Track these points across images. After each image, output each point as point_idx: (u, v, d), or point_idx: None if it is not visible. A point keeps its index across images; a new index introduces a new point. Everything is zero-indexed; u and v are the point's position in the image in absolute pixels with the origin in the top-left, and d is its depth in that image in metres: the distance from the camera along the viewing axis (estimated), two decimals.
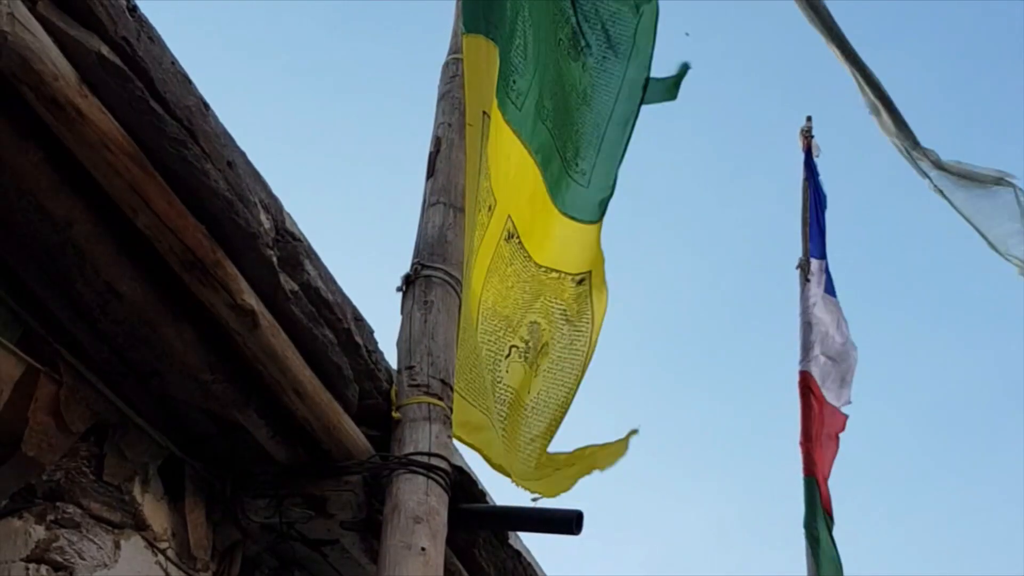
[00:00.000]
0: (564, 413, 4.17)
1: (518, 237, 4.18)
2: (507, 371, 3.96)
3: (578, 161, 4.48)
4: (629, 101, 4.63)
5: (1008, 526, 17.81)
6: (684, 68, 4.91)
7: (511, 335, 4.02)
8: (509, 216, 4.14)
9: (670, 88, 4.86)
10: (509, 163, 4.12)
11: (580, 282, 4.35)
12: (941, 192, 7.18)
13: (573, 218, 4.42)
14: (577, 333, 4.29)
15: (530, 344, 4.05)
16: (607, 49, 4.60)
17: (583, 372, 4.26)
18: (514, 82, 4.13)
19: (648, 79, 4.69)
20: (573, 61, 4.51)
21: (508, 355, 3.97)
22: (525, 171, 4.22)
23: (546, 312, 4.20)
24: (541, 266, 4.27)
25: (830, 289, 7.96)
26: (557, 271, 4.32)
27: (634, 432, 4.04)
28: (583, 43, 4.54)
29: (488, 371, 3.84)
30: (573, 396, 4.19)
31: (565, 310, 4.27)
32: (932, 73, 17.20)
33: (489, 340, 3.93)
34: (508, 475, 3.66)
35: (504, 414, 3.90)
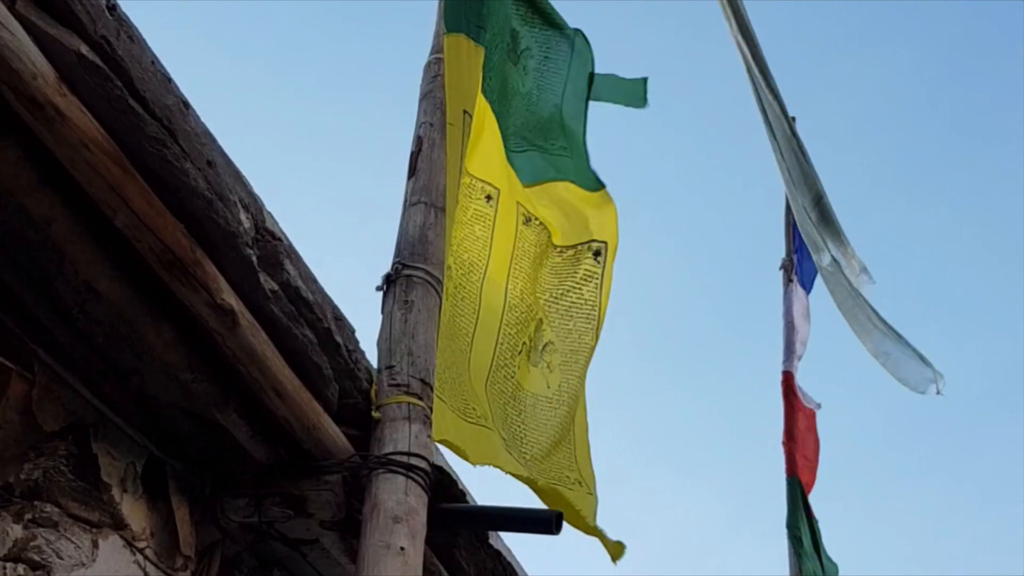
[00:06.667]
0: (579, 408, 4.15)
1: (538, 220, 4.21)
2: (518, 367, 3.95)
3: (553, 140, 4.54)
4: (575, 99, 4.69)
5: (997, 525, 17.90)
6: (643, 81, 4.95)
7: (525, 330, 4.01)
8: (518, 203, 4.16)
9: (638, 95, 4.90)
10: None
11: (596, 253, 4.34)
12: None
13: (572, 182, 4.49)
14: (585, 325, 4.27)
15: (533, 343, 4.05)
16: (547, 51, 4.63)
17: (589, 360, 4.26)
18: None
19: (592, 74, 4.74)
20: (514, 65, 4.54)
21: (520, 351, 3.96)
22: None
23: (554, 308, 4.18)
24: (557, 246, 4.29)
25: (803, 283, 7.95)
26: (573, 246, 4.33)
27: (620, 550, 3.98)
28: (523, 47, 4.57)
29: (501, 367, 3.82)
30: (583, 388, 4.18)
31: (571, 304, 4.25)
32: (926, 73, 17.27)
33: (510, 333, 3.92)
34: (524, 480, 3.63)
35: (517, 412, 3.88)
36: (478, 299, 3.73)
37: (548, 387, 4.04)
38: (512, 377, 3.88)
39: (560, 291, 4.27)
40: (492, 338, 3.80)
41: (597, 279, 4.34)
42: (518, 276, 4.01)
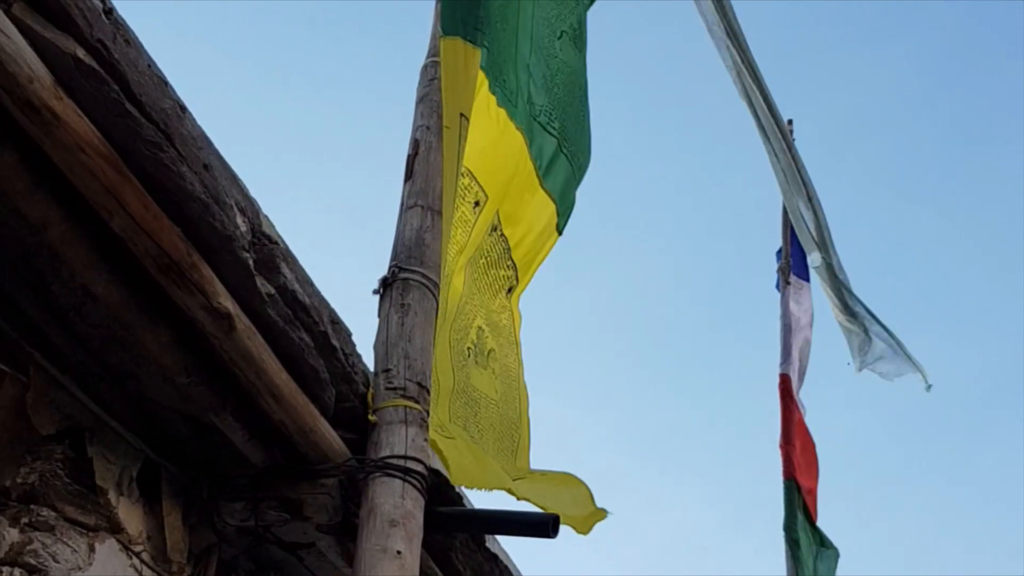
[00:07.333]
0: (524, 425, 4.15)
1: (500, 230, 4.19)
2: (469, 373, 3.96)
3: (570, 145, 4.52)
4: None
5: (997, 525, 17.92)
6: None
7: (468, 336, 4.00)
8: (498, 210, 4.15)
9: None
10: (503, 156, 4.13)
11: (509, 290, 4.31)
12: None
13: (555, 207, 4.40)
14: (508, 346, 4.25)
15: (478, 347, 4.03)
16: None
17: (521, 385, 4.24)
18: (514, 78, 4.17)
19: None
20: (578, 52, 4.59)
21: (468, 355, 3.96)
22: (519, 165, 4.23)
23: (489, 320, 4.15)
24: (510, 261, 4.26)
25: (802, 273, 7.95)
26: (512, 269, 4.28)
27: (602, 514, 3.94)
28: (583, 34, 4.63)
29: (459, 371, 3.82)
30: (526, 409, 4.18)
31: (498, 322, 4.22)
32: (924, 74, 17.28)
33: (457, 338, 3.92)
34: (492, 486, 3.61)
35: (477, 416, 3.88)
36: (445, 302, 3.74)
37: (495, 391, 4.03)
38: (468, 379, 3.87)
39: (495, 305, 4.22)
40: (447, 341, 3.80)
41: (508, 312, 4.31)
42: (468, 283, 4.00)
